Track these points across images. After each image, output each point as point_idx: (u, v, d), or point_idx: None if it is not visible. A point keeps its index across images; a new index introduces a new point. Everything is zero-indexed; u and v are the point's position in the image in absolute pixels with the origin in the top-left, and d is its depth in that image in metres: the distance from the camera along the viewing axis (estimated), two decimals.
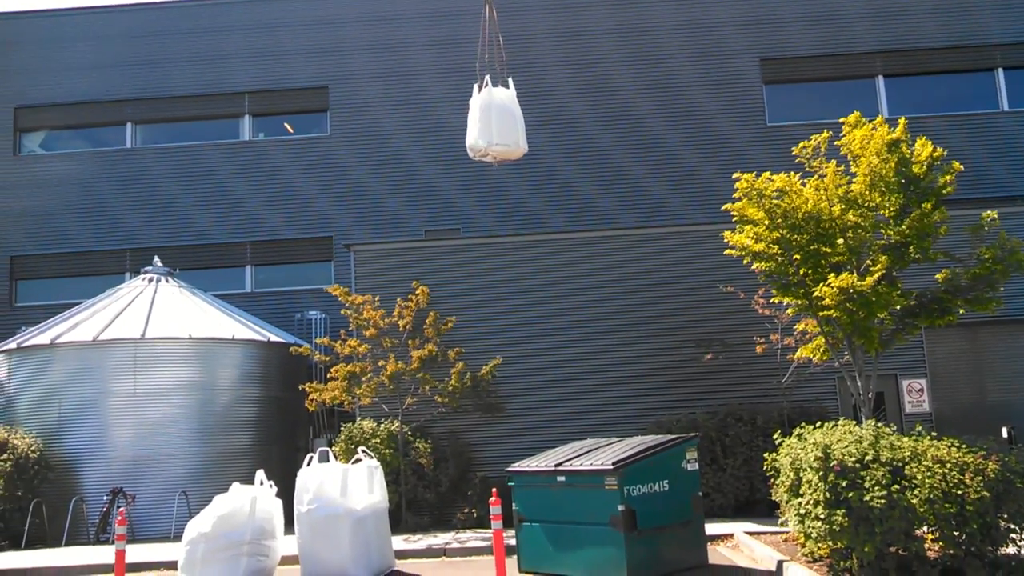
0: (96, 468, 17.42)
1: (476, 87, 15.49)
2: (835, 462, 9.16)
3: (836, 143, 12.96)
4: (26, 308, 23.66)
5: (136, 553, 13.54)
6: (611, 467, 10.34)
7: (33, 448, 17.12)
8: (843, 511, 8.92)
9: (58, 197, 24.35)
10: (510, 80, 15.66)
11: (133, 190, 24.31)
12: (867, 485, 8.87)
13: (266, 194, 23.97)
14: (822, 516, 9.15)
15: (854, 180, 12.57)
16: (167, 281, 20.38)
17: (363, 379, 16.21)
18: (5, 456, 16.63)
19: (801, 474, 9.74)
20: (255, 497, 11.82)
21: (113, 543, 12.31)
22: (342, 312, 17.25)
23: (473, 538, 14.13)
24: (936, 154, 12.41)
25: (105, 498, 16.72)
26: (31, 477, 16.87)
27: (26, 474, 16.80)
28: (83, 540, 16.61)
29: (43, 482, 17.06)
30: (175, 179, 24.28)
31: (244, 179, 24.15)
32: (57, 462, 17.39)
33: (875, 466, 9.03)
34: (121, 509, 11.97)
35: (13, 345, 18.79)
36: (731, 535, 13.01)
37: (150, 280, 20.30)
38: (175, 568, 12.02)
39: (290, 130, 24.85)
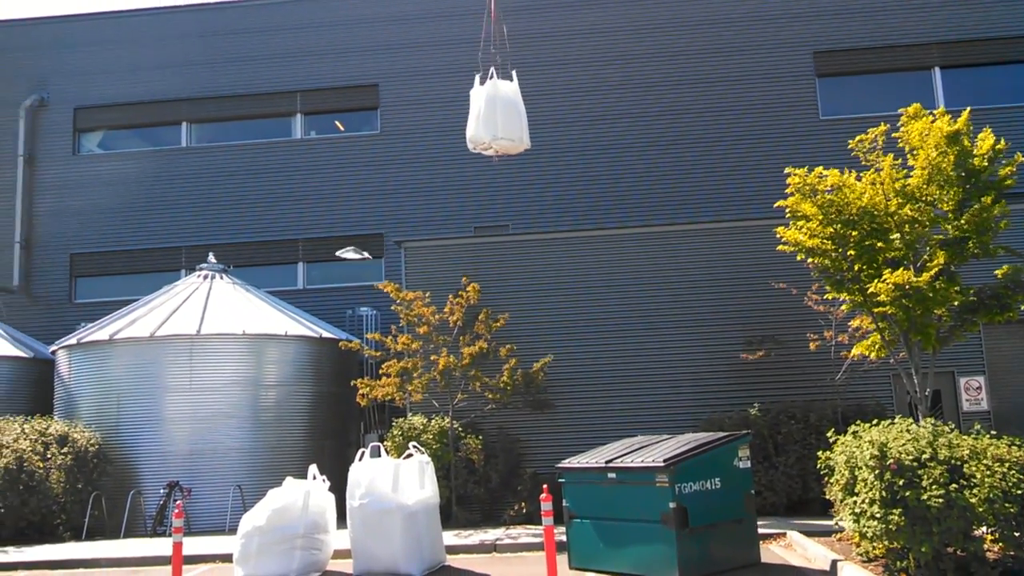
0: (153, 462, 17.76)
1: (478, 78, 15.40)
2: (891, 460, 9.02)
3: (893, 135, 12.75)
4: (85, 305, 24.19)
5: (192, 545, 13.76)
6: (662, 464, 10.28)
7: (92, 442, 17.50)
8: (900, 510, 8.78)
9: (116, 196, 24.85)
10: (514, 73, 15.57)
11: (188, 188, 24.73)
12: (924, 484, 8.72)
13: (318, 191, 24.22)
14: (878, 515, 9.01)
15: (911, 174, 12.35)
16: (221, 278, 20.69)
17: (415, 375, 16.30)
18: (66, 449, 17.02)
19: (856, 472, 9.60)
20: (308, 491, 11.97)
21: (170, 535, 12.59)
22: (392, 308, 17.37)
23: (523, 534, 14.14)
24: (999, 146, 12.16)
25: (162, 491, 17.03)
26: (91, 470, 17.25)
27: (86, 467, 17.18)
28: (140, 532, 16.95)
29: (102, 475, 17.43)
30: (229, 177, 24.64)
31: (296, 177, 24.42)
32: (115, 455, 17.76)
33: (933, 465, 8.88)
34: (178, 502, 12.18)
35: (73, 341, 19.22)
36: (784, 534, 12.86)
37: (205, 277, 20.63)
38: (230, 561, 12.20)
39: (341, 128, 25.09)
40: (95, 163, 25.68)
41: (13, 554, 14.74)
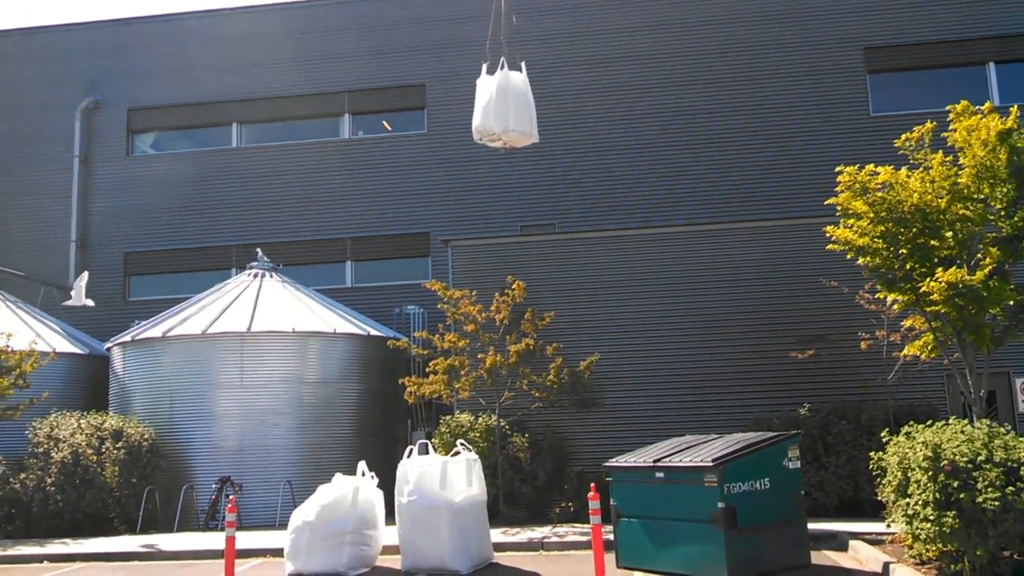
0: (205, 457, 18.05)
1: (484, 67, 15.18)
2: (946, 462, 8.90)
3: (943, 134, 12.55)
4: (139, 302, 24.67)
5: (243, 540, 13.96)
6: (711, 464, 10.24)
7: (146, 437, 17.83)
8: (954, 512, 8.67)
9: (168, 195, 25.29)
10: (523, 65, 15.34)
11: (238, 188, 25.09)
12: (980, 486, 8.60)
13: (365, 191, 24.43)
14: (931, 517, 8.90)
15: (961, 171, 12.16)
16: (271, 276, 20.97)
17: (462, 373, 16.39)
18: (120, 444, 17.37)
19: (909, 474, 9.49)
20: (357, 487, 12.13)
21: (222, 529, 12.80)
22: (439, 307, 17.48)
23: (570, 532, 14.16)
24: None
25: (214, 486, 17.31)
26: (144, 465, 17.58)
27: (139, 462, 17.51)
28: (193, 526, 17.24)
29: (155, 470, 17.76)
30: (278, 177, 24.95)
31: (344, 176, 24.66)
32: (168, 450, 18.09)
33: (988, 467, 8.75)
34: (231, 497, 12.38)
35: (127, 338, 19.60)
36: (834, 535, 12.72)
37: (255, 275, 20.91)
38: (280, 555, 12.40)
39: (388, 128, 25.28)
40: (148, 163, 26.16)
41: (72, 545, 15.12)
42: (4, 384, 17.15)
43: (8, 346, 17.59)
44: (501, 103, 14.80)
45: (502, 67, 15.00)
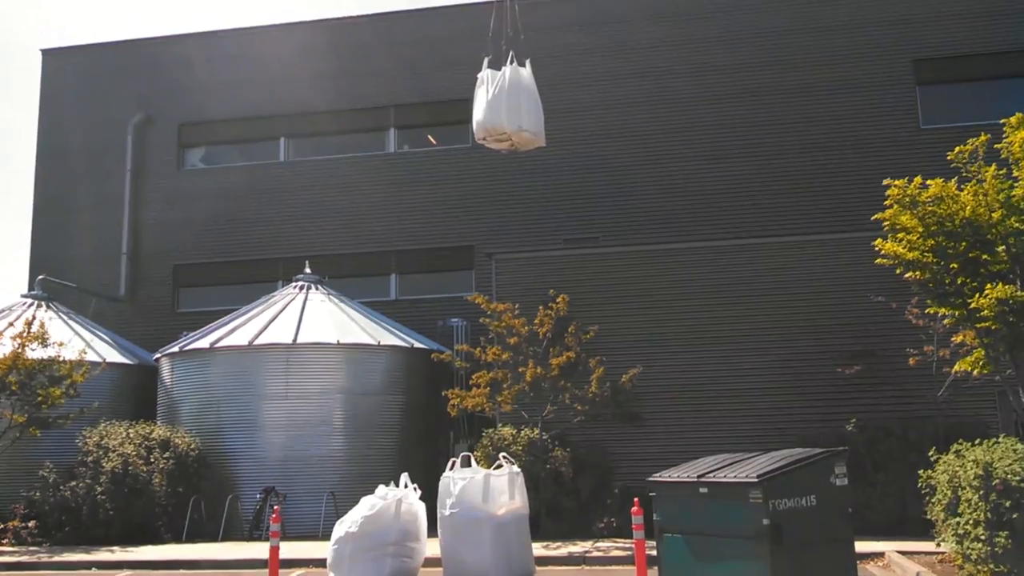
0: (250, 467, 18.24)
1: (487, 62, 14.34)
2: (997, 481, 8.73)
3: (996, 145, 12.33)
4: (187, 314, 25.00)
5: (286, 550, 14.01)
6: (756, 480, 10.08)
7: (192, 447, 18.07)
8: (1006, 533, 8.50)
9: (217, 209, 25.66)
10: (528, 62, 14.47)
11: (285, 201, 25.37)
12: None
13: (410, 204, 24.56)
14: (983, 537, 8.73)
15: (1016, 184, 11.94)
16: (316, 289, 21.17)
17: (504, 386, 16.39)
18: (168, 454, 17.61)
19: (960, 493, 9.32)
20: (400, 499, 12.15)
21: (266, 539, 12.91)
22: (482, 320, 17.51)
23: (613, 548, 14.08)
24: None
25: (258, 496, 17.46)
26: (191, 474, 17.81)
27: (186, 471, 17.75)
28: (237, 535, 17.40)
29: (201, 479, 17.98)
30: (324, 190, 25.20)
31: (389, 190, 24.82)
32: (214, 460, 18.29)
33: None
34: (275, 507, 12.48)
35: (175, 349, 19.90)
36: (882, 554, 12.52)
37: (301, 288, 21.13)
38: (323, 566, 12.45)
39: (433, 142, 25.42)
40: (198, 177, 26.59)
41: (118, 553, 15.35)
42: (56, 393, 17.52)
43: (60, 356, 17.95)
44: (512, 100, 13.93)
45: (511, 61, 14.16)
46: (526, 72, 14.14)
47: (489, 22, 15.64)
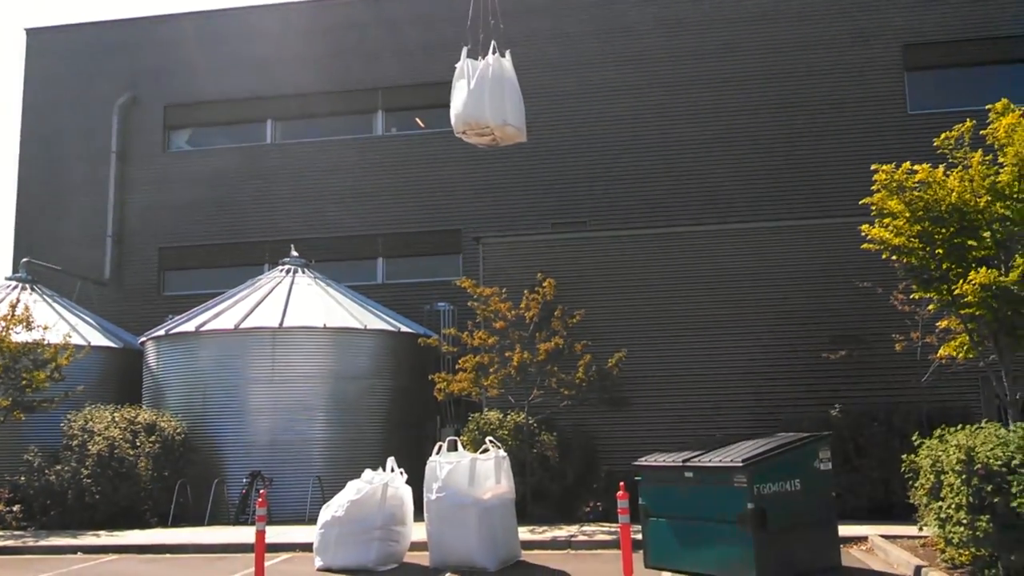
0: (236, 451, 18.21)
1: (465, 51, 13.72)
2: (979, 465, 8.78)
3: (982, 131, 12.35)
4: (173, 297, 24.93)
5: (273, 534, 14.00)
6: (740, 464, 10.17)
7: (179, 431, 18.02)
8: (988, 517, 8.55)
9: (203, 191, 25.52)
10: (508, 53, 13.81)
11: (272, 184, 25.26)
12: (1014, 490, 8.46)
13: (398, 188, 24.48)
14: (964, 521, 8.78)
15: (1002, 170, 11.97)
16: (303, 272, 21.09)
17: (491, 370, 16.39)
18: (154, 438, 17.56)
19: (942, 477, 9.38)
20: (386, 483, 12.20)
21: (252, 524, 12.89)
22: (469, 304, 17.49)
23: (598, 531, 14.13)
24: None
25: (244, 480, 17.44)
26: (177, 458, 17.77)
27: (172, 455, 17.70)
28: (224, 520, 17.38)
29: (187, 463, 17.93)
30: (312, 173, 25.09)
31: (377, 173, 24.73)
32: (200, 444, 18.26)
33: (1023, 471, 8.60)
34: (262, 491, 12.48)
35: (161, 332, 19.81)
36: (865, 538, 12.60)
37: (287, 271, 21.06)
38: (309, 550, 12.49)
39: (422, 125, 25.31)
40: (184, 159, 26.44)
41: (104, 537, 15.32)
42: (40, 377, 17.42)
43: (44, 339, 17.85)
44: (495, 92, 13.26)
45: (493, 51, 13.56)
46: (508, 63, 13.55)
47: (477, 4, 15.29)
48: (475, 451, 13.05)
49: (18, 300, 19.05)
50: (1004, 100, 12.22)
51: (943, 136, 12.45)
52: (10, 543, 15.05)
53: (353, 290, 21.74)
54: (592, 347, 16.56)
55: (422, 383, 18.09)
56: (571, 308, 16.90)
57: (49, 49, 27.53)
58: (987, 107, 12.37)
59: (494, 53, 13.48)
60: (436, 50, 24.72)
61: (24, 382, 17.40)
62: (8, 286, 22.13)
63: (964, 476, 8.87)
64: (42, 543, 14.93)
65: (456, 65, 13.73)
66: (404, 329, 19.88)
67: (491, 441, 12.73)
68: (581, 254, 18.04)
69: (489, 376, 16.37)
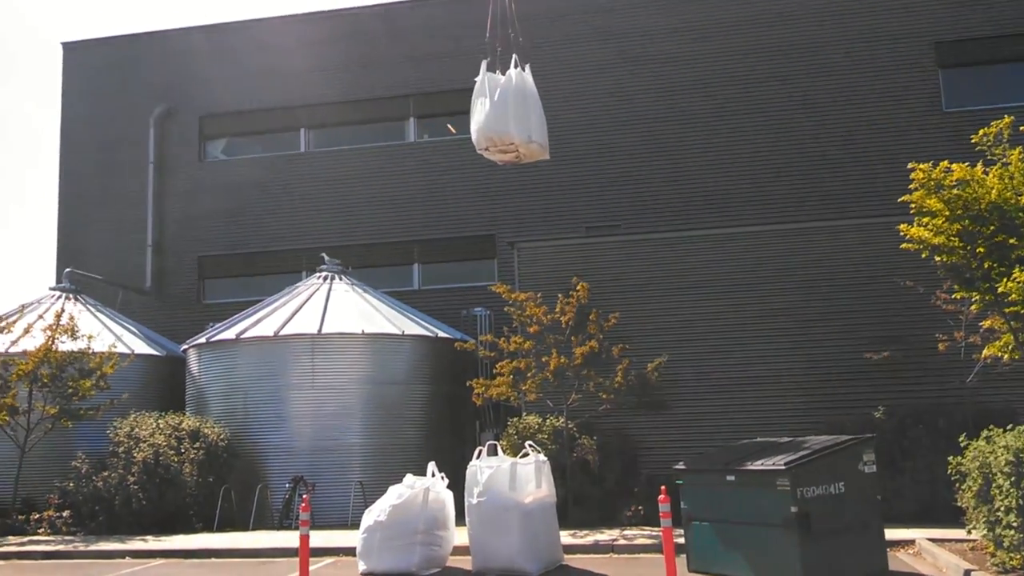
0: (278, 457, 18.39)
1: (484, 64, 13.42)
2: None
3: (1021, 128, 12.20)
4: (213, 305, 25.22)
5: (315, 539, 14.07)
6: (783, 467, 10.11)
7: (222, 437, 18.22)
8: None
9: (240, 200, 25.79)
10: (527, 67, 13.48)
11: (308, 192, 25.47)
12: None
13: (431, 194, 24.59)
14: (1015, 524, 8.69)
15: None
16: (340, 279, 21.27)
17: (528, 375, 16.42)
18: (198, 444, 17.78)
19: (991, 479, 9.27)
20: (428, 488, 12.25)
21: (296, 528, 13.02)
22: (505, 309, 17.54)
23: (640, 536, 14.10)
24: None
25: (287, 485, 17.61)
26: (220, 464, 17.97)
27: (216, 461, 17.91)
28: (268, 524, 17.55)
29: (231, 469, 18.13)
30: (346, 180, 25.27)
31: (410, 179, 24.85)
32: (243, 450, 18.45)
33: None
34: (304, 496, 12.61)
35: (202, 340, 20.07)
36: (912, 541, 12.48)
37: (324, 278, 21.24)
38: (352, 554, 12.59)
39: (452, 131, 25.39)
40: (220, 169, 26.74)
41: (151, 542, 15.53)
42: (87, 385, 17.74)
43: (90, 348, 18.15)
44: (520, 107, 12.92)
45: (515, 65, 13.30)
46: (529, 77, 13.28)
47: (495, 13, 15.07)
48: (515, 455, 13.11)
49: (63, 310, 19.42)
50: None
51: (981, 132, 12.33)
52: (61, 547, 15.34)
53: (390, 296, 21.88)
54: (629, 350, 16.53)
55: (461, 388, 18.17)
56: (607, 311, 16.87)
57: (85, 63, 27.96)
58: None
59: (516, 67, 13.26)
60: (466, 57, 24.76)
61: (71, 390, 17.73)
62: (53, 296, 22.53)
63: (1013, 478, 8.78)
64: (92, 548, 15.19)
65: (475, 79, 13.49)
66: (441, 335, 19.98)
67: (531, 445, 12.77)
68: (615, 257, 18.02)
69: (526, 381, 16.40)
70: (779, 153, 22.80)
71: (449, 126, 25.44)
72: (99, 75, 27.68)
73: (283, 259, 25.35)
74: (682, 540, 11.21)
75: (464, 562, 12.12)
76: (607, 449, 16.31)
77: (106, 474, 17.38)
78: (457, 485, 12.42)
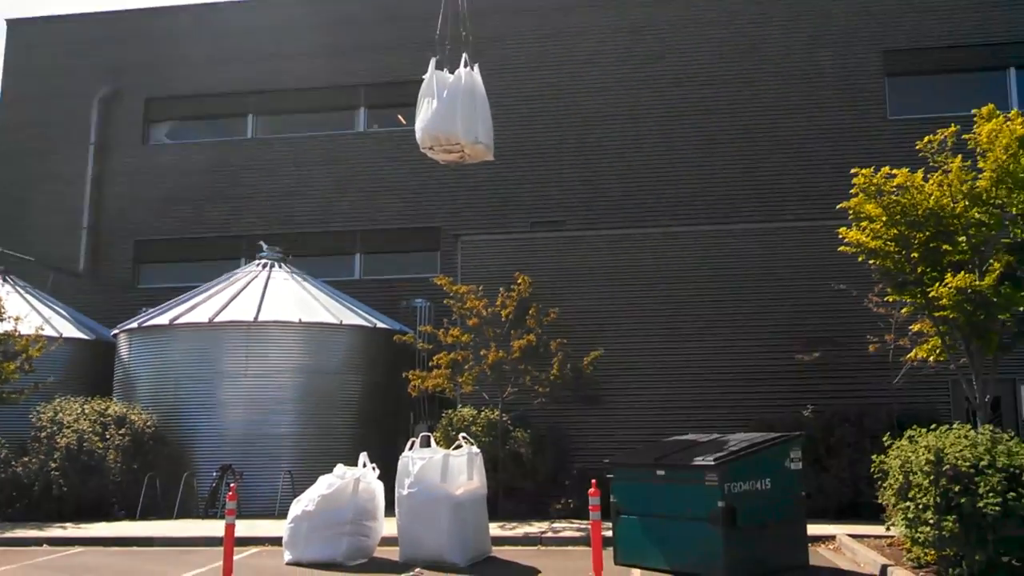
0: (207, 445, 18.06)
1: (433, 63, 13.33)
2: (948, 466, 8.84)
3: (964, 136, 12.43)
4: (147, 290, 24.69)
5: (242, 528, 13.84)
6: (712, 463, 10.18)
7: (149, 424, 17.86)
8: (954, 517, 8.61)
9: (181, 185, 25.30)
10: (476, 67, 13.43)
11: (251, 179, 25.08)
12: (981, 491, 8.54)
13: (378, 184, 24.36)
14: (932, 521, 8.84)
15: (980, 176, 12.05)
16: (280, 267, 20.98)
17: (465, 367, 16.36)
18: (123, 431, 17.39)
19: (911, 478, 9.43)
20: (358, 478, 12.13)
21: (222, 517, 12.80)
22: (445, 302, 17.44)
23: (569, 528, 14.11)
24: None
25: (215, 474, 17.31)
26: (146, 452, 17.59)
27: (142, 448, 17.53)
28: (194, 513, 17.22)
29: (157, 456, 17.76)
30: (292, 168, 24.93)
31: (357, 169, 24.59)
32: (171, 438, 18.09)
33: (990, 472, 8.70)
34: (232, 485, 12.39)
35: (134, 325, 19.64)
36: (833, 537, 12.67)
37: (264, 266, 20.92)
38: (279, 544, 12.40)
39: (402, 122, 25.17)
40: (163, 153, 26.20)
41: (71, 530, 15.14)
42: (10, 368, 17.22)
43: (16, 330, 17.65)
44: (467, 108, 12.84)
45: (464, 65, 13.24)
46: (478, 77, 13.18)
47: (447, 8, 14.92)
48: (448, 447, 13.03)
49: None
50: (990, 105, 12.31)
51: (926, 139, 12.52)
52: None
53: (331, 286, 21.63)
54: (568, 345, 16.55)
55: (397, 379, 18.00)
56: (547, 307, 16.88)
57: (30, 40, 27.24)
58: (972, 112, 12.46)
59: (465, 66, 13.14)
60: (419, 48, 24.53)
61: None
62: None
63: (932, 477, 8.93)
64: (6, 535, 14.71)
65: (423, 76, 13.32)
66: (380, 325, 19.81)
67: (464, 437, 12.71)
68: (559, 253, 18.04)
69: (463, 373, 16.34)
70: (724, 155, 22.95)
71: (399, 117, 25.21)
72: (43, 55, 26.94)
73: (223, 246, 24.92)
74: (611, 533, 11.23)
75: (392, 553, 12.00)
76: (540, 442, 16.31)
77: (26, 459, 16.93)
78: (389, 476, 12.31)
